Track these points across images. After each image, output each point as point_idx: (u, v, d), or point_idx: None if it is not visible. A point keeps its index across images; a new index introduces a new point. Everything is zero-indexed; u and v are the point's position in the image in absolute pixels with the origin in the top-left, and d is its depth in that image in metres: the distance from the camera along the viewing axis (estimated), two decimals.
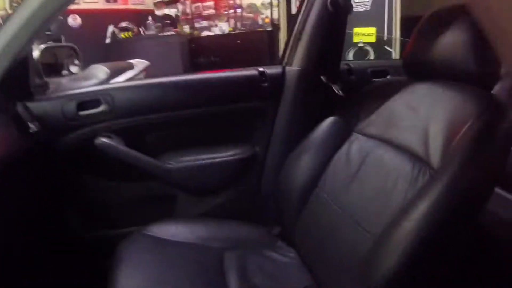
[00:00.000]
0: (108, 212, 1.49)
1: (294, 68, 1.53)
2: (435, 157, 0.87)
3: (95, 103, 1.36)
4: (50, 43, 1.66)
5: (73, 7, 5.61)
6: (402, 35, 3.97)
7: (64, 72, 1.59)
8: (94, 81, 2.12)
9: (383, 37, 4.06)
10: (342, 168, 1.12)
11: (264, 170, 1.57)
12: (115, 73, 2.24)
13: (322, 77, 1.49)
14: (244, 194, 1.58)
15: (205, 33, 6.21)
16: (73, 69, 1.60)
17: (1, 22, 1.18)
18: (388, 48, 4.04)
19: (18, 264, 1.18)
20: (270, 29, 5.34)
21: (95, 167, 1.44)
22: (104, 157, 1.36)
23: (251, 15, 5.62)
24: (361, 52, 4.04)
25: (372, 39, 4.08)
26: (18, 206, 1.16)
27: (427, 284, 0.83)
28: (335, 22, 1.45)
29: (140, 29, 6.08)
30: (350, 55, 4.02)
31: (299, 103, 1.52)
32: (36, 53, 1.39)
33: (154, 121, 1.43)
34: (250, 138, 1.57)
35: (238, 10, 5.79)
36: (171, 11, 6.53)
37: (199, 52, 5.84)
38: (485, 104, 0.86)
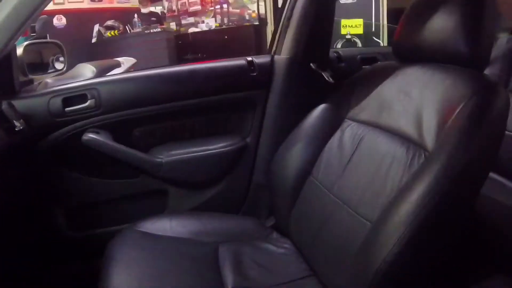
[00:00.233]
0: (98, 210, 1.47)
1: (283, 56, 1.51)
2: (429, 140, 0.87)
3: (81, 98, 1.34)
4: (34, 40, 1.63)
5: (58, 7, 5.57)
6: (389, 27, 3.99)
7: (50, 69, 1.56)
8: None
9: (371, 29, 4.07)
10: (335, 156, 1.11)
11: (256, 161, 1.55)
12: (102, 71, 2.21)
13: (311, 64, 1.47)
14: (237, 186, 1.56)
15: (192, 30, 6.18)
16: (59, 66, 1.56)
17: None
18: (376, 39, 4.06)
19: (2, 265, 1.15)
20: (257, 23, 5.32)
21: (83, 164, 1.41)
22: (92, 153, 1.34)
23: (237, 10, 5.60)
24: (349, 44, 4.06)
25: (360, 30, 4.10)
26: (2, 205, 1.14)
27: (426, 268, 0.82)
28: (323, 8, 1.44)
29: (126, 27, 6.04)
30: (338, 47, 4.03)
31: (289, 92, 1.50)
32: (20, 50, 1.35)
33: (142, 114, 1.40)
34: (241, 128, 1.55)
35: (224, 6, 5.77)
36: (156, 9, 6.50)
37: (187, 48, 5.82)
38: (477, 85, 0.86)
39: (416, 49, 1.02)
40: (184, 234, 1.20)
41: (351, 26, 4.08)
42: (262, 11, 5.32)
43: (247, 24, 5.45)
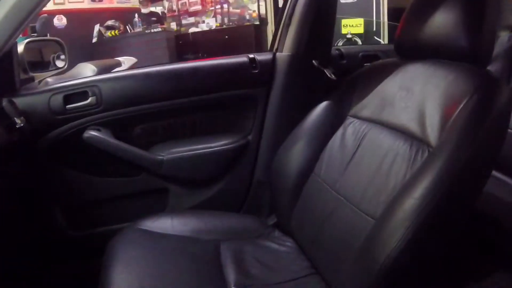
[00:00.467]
0: (99, 209, 1.46)
1: (284, 53, 1.51)
2: (432, 136, 0.86)
3: (82, 95, 1.33)
4: (35, 37, 1.63)
5: (58, 7, 5.58)
6: (389, 26, 3.99)
7: (51, 67, 1.56)
8: None
9: (371, 28, 4.07)
10: (337, 153, 1.11)
11: (258, 159, 1.55)
12: (102, 71, 2.22)
13: (313, 61, 1.47)
14: (238, 184, 1.55)
15: (192, 29, 6.18)
16: (59, 63, 1.56)
17: None
18: (377, 38, 4.06)
19: (1, 265, 1.15)
20: (257, 23, 5.33)
21: (83, 161, 1.41)
22: (93, 151, 1.34)
23: (237, 10, 5.61)
24: (349, 43, 4.06)
25: (360, 30, 4.10)
26: (2, 203, 1.13)
27: (429, 264, 0.82)
28: (325, 5, 1.43)
29: (127, 27, 6.05)
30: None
31: (291, 89, 1.50)
32: (21, 48, 1.35)
33: (143, 112, 1.40)
34: (242, 126, 1.55)
35: (225, 6, 5.77)
36: (157, 9, 6.51)
37: (187, 48, 5.83)
38: (480, 80, 0.85)
39: (418, 46, 1.01)
40: (185, 232, 1.19)
41: (352, 25, 4.09)
42: (262, 11, 5.32)
43: (248, 24, 5.46)
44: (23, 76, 1.35)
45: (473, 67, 0.90)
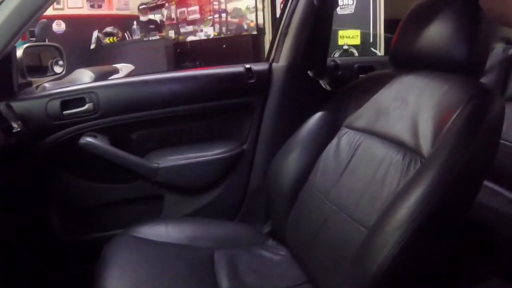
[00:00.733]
0: (94, 214, 1.46)
1: (280, 64, 1.53)
2: (425, 146, 0.87)
3: (79, 101, 1.34)
4: (34, 42, 1.64)
5: (57, 12, 5.59)
6: (386, 37, 4.01)
7: (49, 72, 1.56)
8: None
9: (368, 39, 4.10)
10: (332, 163, 1.12)
11: (253, 168, 1.56)
12: (100, 77, 2.22)
13: (309, 72, 1.48)
14: (233, 192, 1.56)
15: (190, 38, 6.20)
16: (58, 69, 1.57)
17: None
18: (374, 50, 4.08)
19: None
20: (255, 33, 5.35)
21: (79, 167, 1.41)
22: (89, 157, 1.34)
23: (236, 19, 5.63)
24: (346, 55, 4.08)
25: (357, 41, 4.13)
26: None
27: (423, 273, 0.82)
28: (321, 16, 1.45)
29: (125, 34, 6.06)
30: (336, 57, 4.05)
31: (286, 99, 1.51)
32: (19, 52, 1.36)
33: (140, 119, 1.41)
34: (238, 135, 1.56)
35: (223, 15, 5.80)
36: (155, 17, 6.53)
37: (185, 56, 5.84)
38: (473, 91, 0.86)
39: (413, 57, 1.03)
40: (180, 239, 1.19)
41: (349, 36, 4.11)
42: (260, 20, 5.34)
43: (245, 33, 5.47)
44: (21, 80, 1.36)
45: (466, 78, 0.91)
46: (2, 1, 0.97)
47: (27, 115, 1.26)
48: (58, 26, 5.66)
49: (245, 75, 1.50)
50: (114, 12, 6.53)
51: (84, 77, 2.07)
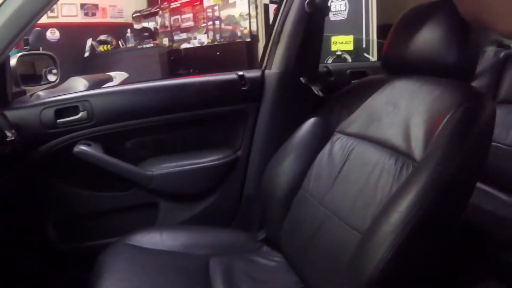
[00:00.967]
0: (88, 223, 1.46)
1: (273, 71, 1.53)
2: (417, 150, 0.88)
3: (73, 110, 1.34)
4: (28, 50, 1.64)
5: (51, 20, 5.60)
6: (379, 43, 4.04)
7: (43, 81, 1.56)
8: None
9: (361, 44, 4.12)
10: (325, 168, 1.12)
11: (247, 174, 1.56)
12: (94, 85, 2.22)
13: (301, 78, 1.49)
14: (228, 199, 1.56)
15: (184, 45, 6.21)
16: (51, 78, 1.57)
17: None
18: (367, 55, 4.10)
19: None
20: (249, 40, 5.37)
21: (73, 175, 1.41)
22: (83, 165, 1.33)
23: (229, 27, 5.65)
24: (339, 60, 4.10)
25: (350, 47, 4.15)
26: None
27: (417, 276, 0.83)
28: (313, 23, 1.45)
29: (119, 42, 6.07)
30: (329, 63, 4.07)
31: (279, 105, 1.52)
32: (13, 61, 1.36)
33: (133, 127, 1.41)
34: (232, 142, 1.56)
35: (217, 22, 5.82)
36: (149, 24, 6.54)
37: (179, 64, 5.85)
38: (464, 95, 0.87)
39: (404, 62, 1.04)
40: (175, 247, 1.19)
41: (342, 42, 4.13)
42: (254, 27, 5.36)
43: (239, 40, 5.49)
44: (15, 89, 1.35)
45: (458, 82, 0.92)
46: None
47: (21, 123, 1.25)
48: (52, 34, 5.67)
49: (238, 82, 1.51)
50: (108, 20, 6.55)
51: (78, 86, 2.07)
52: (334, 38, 4.12)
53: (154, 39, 6.23)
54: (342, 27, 4.16)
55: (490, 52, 1.90)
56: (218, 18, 5.77)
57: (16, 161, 1.27)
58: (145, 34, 6.16)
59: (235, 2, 5.49)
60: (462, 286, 1.32)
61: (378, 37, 4.07)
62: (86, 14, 6.34)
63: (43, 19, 1.07)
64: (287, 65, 1.51)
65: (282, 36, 1.51)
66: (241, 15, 5.46)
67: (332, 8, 4.25)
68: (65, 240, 1.43)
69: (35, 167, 1.33)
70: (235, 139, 1.56)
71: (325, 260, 1.00)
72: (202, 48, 5.95)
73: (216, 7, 5.78)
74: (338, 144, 1.13)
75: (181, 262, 1.13)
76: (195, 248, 1.21)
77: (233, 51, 5.41)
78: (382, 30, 3.94)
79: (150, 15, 6.71)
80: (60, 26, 5.73)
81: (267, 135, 1.52)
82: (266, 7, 5.19)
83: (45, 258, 1.40)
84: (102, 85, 2.44)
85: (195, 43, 6.12)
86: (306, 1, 1.37)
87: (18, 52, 1.49)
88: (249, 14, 5.34)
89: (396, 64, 1.08)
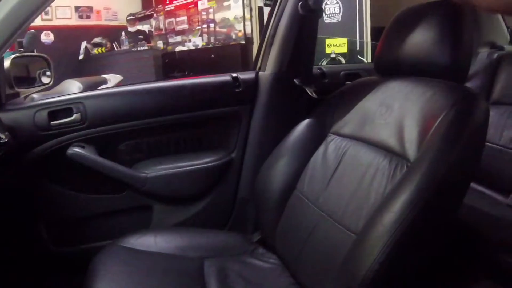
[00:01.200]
0: (82, 225, 1.45)
1: (267, 72, 1.54)
2: (411, 151, 0.89)
3: (67, 112, 1.33)
4: (22, 52, 1.63)
5: (46, 23, 5.58)
6: (373, 45, 4.06)
7: (37, 83, 1.56)
8: None
9: (355, 47, 4.14)
10: (319, 169, 1.12)
11: (242, 176, 1.56)
12: (88, 88, 2.21)
13: (295, 80, 1.49)
14: (222, 201, 1.56)
15: (179, 48, 6.22)
16: (45, 80, 1.56)
17: None
18: (361, 58, 4.12)
19: None
20: (243, 42, 5.38)
21: (68, 178, 1.40)
22: (77, 167, 1.33)
23: (224, 29, 5.66)
24: (333, 63, 4.12)
25: (344, 49, 4.17)
26: None
27: (411, 275, 0.83)
28: (306, 25, 1.46)
29: (114, 45, 6.06)
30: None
31: (273, 107, 1.52)
32: (7, 63, 1.35)
33: (127, 129, 1.40)
34: (226, 144, 1.56)
35: (211, 25, 5.82)
36: (144, 27, 6.54)
37: (173, 66, 5.85)
38: (457, 95, 0.88)
39: (397, 64, 1.05)
40: (169, 249, 1.19)
41: (336, 45, 4.15)
42: (248, 30, 5.38)
43: (234, 43, 5.50)
44: (8, 91, 1.35)
45: (451, 83, 0.93)
46: None
47: (14, 126, 1.25)
48: (47, 37, 5.65)
49: (232, 84, 1.51)
50: (102, 22, 6.55)
51: (73, 88, 2.06)
52: (328, 41, 4.14)
53: (149, 42, 6.23)
54: (337, 30, 4.18)
55: (483, 53, 1.92)
56: (213, 20, 5.78)
57: (10, 164, 1.26)
58: (140, 36, 6.15)
59: (229, 4, 5.50)
60: (456, 286, 1.33)
61: (372, 39, 4.09)
62: (80, 17, 6.33)
63: (37, 22, 1.07)
64: (281, 67, 1.51)
65: (275, 38, 1.51)
66: (235, 18, 5.48)
67: (326, 11, 4.27)
68: (59, 243, 1.42)
69: (28, 169, 1.33)
70: (229, 141, 1.56)
71: (320, 261, 1.00)
72: (196, 51, 5.96)
73: (210, 10, 5.79)
74: (332, 145, 1.13)
75: (175, 264, 1.13)
76: (190, 250, 1.20)
77: (227, 54, 5.43)
78: (376, 33, 3.96)
79: (145, 18, 6.71)
80: (54, 29, 5.72)
81: (261, 137, 1.53)
82: (260, 9, 5.21)
83: (39, 260, 1.39)
84: (97, 87, 2.44)
85: (189, 46, 6.13)
86: (300, 3, 1.37)
87: (12, 54, 1.48)
88: (243, 16, 5.36)
89: (389, 65, 1.09)
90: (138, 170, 1.45)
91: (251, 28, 5.32)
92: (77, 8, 6.30)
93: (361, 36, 4.16)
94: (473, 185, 1.56)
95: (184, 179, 1.48)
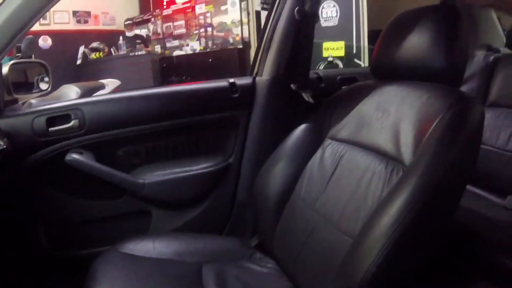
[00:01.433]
0: (81, 231, 1.45)
1: (264, 78, 1.54)
2: (407, 155, 0.89)
3: (65, 118, 1.34)
4: (20, 58, 1.64)
5: (43, 28, 5.59)
6: (370, 48, 4.07)
7: (35, 89, 1.56)
8: None
9: (352, 50, 4.15)
10: (316, 174, 1.13)
11: (239, 181, 1.56)
12: (86, 92, 2.21)
13: (292, 85, 1.50)
14: (220, 206, 1.56)
15: (177, 52, 6.22)
16: (43, 86, 1.56)
17: None
18: (358, 61, 4.13)
19: None
20: (241, 46, 5.39)
21: (65, 184, 1.40)
22: (75, 173, 1.33)
23: (221, 33, 5.67)
24: (330, 66, 4.12)
25: (341, 53, 4.17)
26: None
27: (408, 278, 0.84)
28: (303, 30, 1.46)
29: (111, 49, 6.07)
30: (321, 69, 4.08)
31: (270, 112, 1.53)
32: (5, 69, 1.35)
33: (125, 135, 1.41)
34: (224, 149, 1.56)
35: (209, 29, 5.83)
36: (141, 31, 6.55)
37: (171, 71, 5.86)
38: (453, 99, 0.88)
39: (394, 68, 1.05)
40: (167, 254, 1.19)
41: (333, 48, 4.16)
42: (245, 34, 5.39)
43: (231, 47, 5.51)
44: (7, 97, 1.35)
45: (446, 87, 0.94)
46: None
47: (13, 132, 1.25)
48: (44, 42, 5.65)
49: (229, 89, 1.51)
50: (100, 27, 6.55)
51: (71, 93, 2.06)
52: (325, 44, 4.15)
53: (147, 46, 6.24)
54: (333, 33, 4.18)
55: (479, 56, 1.93)
56: (210, 25, 5.79)
57: (8, 170, 1.27)
58: (137, 41, 6.16)
59: (227, 9, 5.51)
60: (454, 287, 1.33)
61: (369, 43, 4.10)
62: (78, 22, 6.33)
63: (35, 26, 1.07)
64: (277, 72, 1.51)
65: (272, 43, 1.52)
66: (233, 22, 5.48)
67: (323, 14, 4.28)
68: (58, 248, 1.42)
69: (27, 176, 1.33)
70: (226, 146, 1.56)
71: (318, 265, 1.01)
72: (194, 55, 5.96)
73: (208, 14, 5.80)
74: (329, 149, 1.14)
75: (173, 269, 1.13)
76: (188, 255, 1.20)
77: (225, 58, 5.44)
78: (373, 36, 3.97)
79: (142, 22, 6.72)
80: (52, 34, 5.72)
81: (258, 142, 1.53)
82: (258, 14, 5.22)
83: (38, 266, 1.39)
84: (95, 92, 2.44)
85: (187, 50, 6.13)
86: (296, 9, 1.38)
87: (10, 60, 1.49)
88: (241, 21, 5.37)
89: (385, 69, 1.10)
90: (136, 176, 1.45)
91: (249, 32, 5.33)
92: (75, 13, 6.30)
93: (358, 40, 4.16)
94: (470, 187, 1.57)
95: (182, 184, 1.49)
